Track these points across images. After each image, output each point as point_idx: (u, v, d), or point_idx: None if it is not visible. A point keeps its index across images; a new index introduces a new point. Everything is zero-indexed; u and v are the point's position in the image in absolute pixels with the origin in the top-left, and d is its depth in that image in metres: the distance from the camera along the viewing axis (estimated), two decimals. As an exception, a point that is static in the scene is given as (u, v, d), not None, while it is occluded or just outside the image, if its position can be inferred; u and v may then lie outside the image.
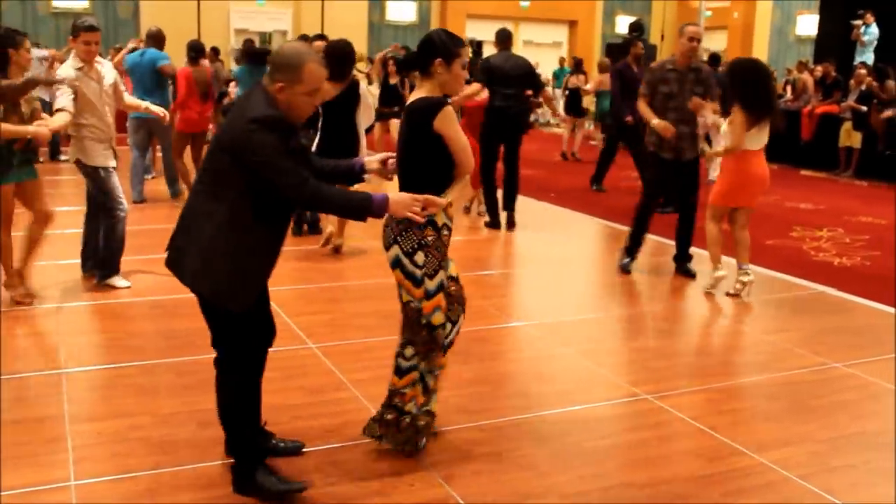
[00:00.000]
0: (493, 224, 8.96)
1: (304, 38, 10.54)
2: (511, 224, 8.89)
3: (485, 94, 8.72)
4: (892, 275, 7.50)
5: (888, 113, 13.22)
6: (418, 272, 3.59)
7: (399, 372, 3.79)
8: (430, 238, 3.57)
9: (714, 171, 11.41)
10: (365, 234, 7.73)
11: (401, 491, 3.53)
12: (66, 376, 4.61)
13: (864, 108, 13.73)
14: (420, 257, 3.57)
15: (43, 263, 7.13)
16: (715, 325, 6.28)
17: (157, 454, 3.77)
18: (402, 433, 3.76)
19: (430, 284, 3.62)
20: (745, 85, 6.26)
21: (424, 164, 3.61)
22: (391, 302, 6.18)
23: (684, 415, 4.36)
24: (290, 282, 6.47)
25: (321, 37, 10.60)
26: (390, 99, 12.84)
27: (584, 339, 5.51)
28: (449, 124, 3.54)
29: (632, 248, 7.22)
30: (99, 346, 5.22)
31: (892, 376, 5.00)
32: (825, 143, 14.34)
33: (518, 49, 27.68)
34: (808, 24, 25.12)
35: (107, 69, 6.21)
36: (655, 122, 6.82)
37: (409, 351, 3.76)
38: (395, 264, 3.63)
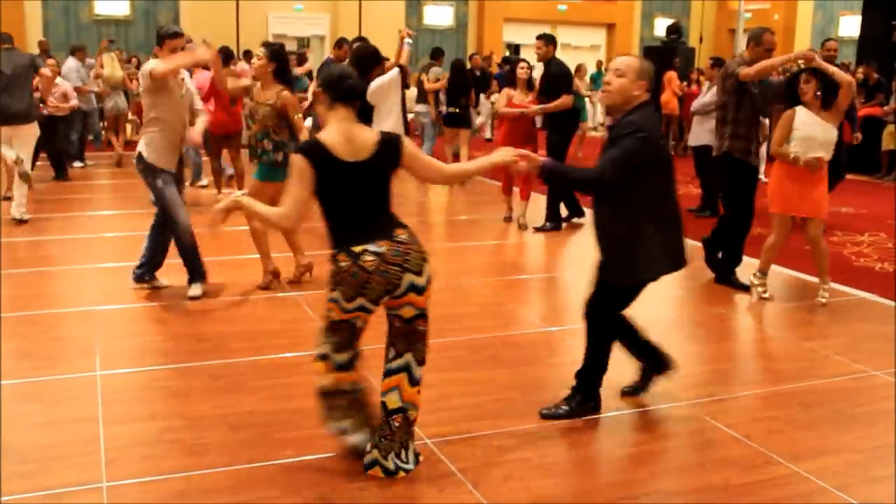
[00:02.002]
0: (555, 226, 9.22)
1: (342, 41, 10.61)
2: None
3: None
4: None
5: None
6: None
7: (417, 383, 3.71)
8: None
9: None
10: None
11: (430, 496, 3.52)
12: (101, 378, 4.66)
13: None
14: None
15: (80, 267, 7.24)
16: (752, 331, 6.19)
17: (189, 457, 3.79)
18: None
19: None
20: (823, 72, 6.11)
21: None
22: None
23: (719, 422, 4.29)
24: (322, 285, 6.45)
25: (361, 39, 10.67)
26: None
27: (619, 346, 5.44)
28: None
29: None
30: (133, 349, 5.26)
31: (934, 385, 4.89)
32: (867, 147, 14.09)
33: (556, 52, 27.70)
34: (850, 26, 24.74)
35: (185, 77, 6.36)
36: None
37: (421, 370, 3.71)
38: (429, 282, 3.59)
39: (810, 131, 6.10)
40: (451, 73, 13.23)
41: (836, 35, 26.51)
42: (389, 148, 3.57)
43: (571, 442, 4.03)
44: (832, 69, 6.21)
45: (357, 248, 3.44)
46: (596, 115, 20.84)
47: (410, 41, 8.41)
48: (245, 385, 4.61)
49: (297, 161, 3.48)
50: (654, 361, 4.51)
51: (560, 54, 9.39)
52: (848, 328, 5.98)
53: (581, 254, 8.20)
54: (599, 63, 23.41)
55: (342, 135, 3.51)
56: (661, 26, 24.58)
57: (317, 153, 3.47)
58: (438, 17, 25.40)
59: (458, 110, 12.67)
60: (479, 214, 9.86)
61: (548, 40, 9.09)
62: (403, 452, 3.66)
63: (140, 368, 4.87)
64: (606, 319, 4.32)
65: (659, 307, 6.53)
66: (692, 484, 3.70)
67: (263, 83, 6.22)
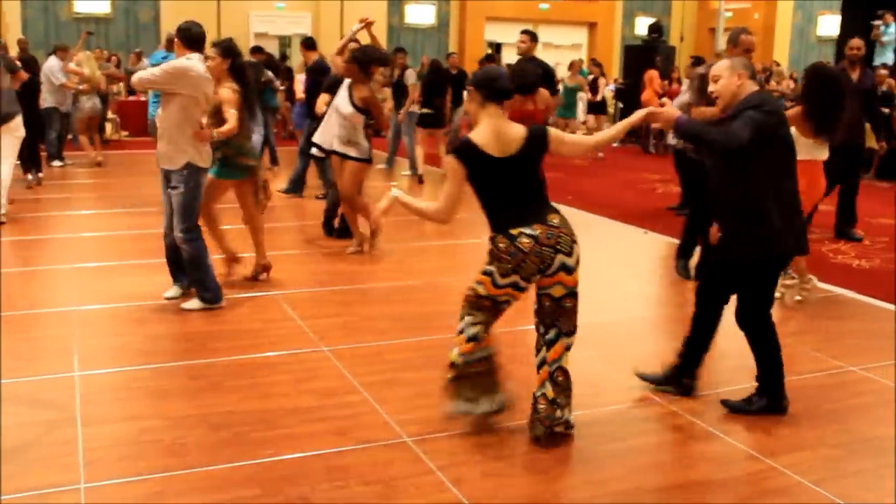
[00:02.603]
0: None
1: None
2: None
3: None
4: (912, 277, 7.42)
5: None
6: None
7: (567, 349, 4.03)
8: None
9: None
10: (382, 238, 7.73)
11: (409, 494, 3.52)
12: (79, 378, 4.64)
13: (886, 110, 13.59)
14: None
15: (59, 267, 7.21)
16: (732, 327, 6.20)
17: (168, 457, 3.78)
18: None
19: None
20: (817, 95, 5.82)
21: None
22: (404, 305, 6.24)
23: (697, 419, 4.32)
24: (302, 284, 6.47)
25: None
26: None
27: (601, 343, 5.47)
28: None
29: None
30: (112, 349, 5.23)
31: (910, 380, 4.95)
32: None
33: (538, 51, 27.70)
34: (829, 25, 24.92)
35: None
36: None
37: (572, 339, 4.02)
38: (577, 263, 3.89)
39: None
40: (426, 74, 13.06)
41: (815, 34, 26.73)
42: (536, 140, 3.86)
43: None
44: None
45: (514, 231, 3.78)
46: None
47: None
48: (225, 385, 4.60)
49: (451, 161, 3.84)
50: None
51: (542, 53, 9.44)
52: (826, 324, 6.03)
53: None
54: (580, 62, 23.41)
55: (492, 132, 3.82)
56: (642, 25, 24.66)
57: (469, 153, 3.81)
58: (420, 15, 25.40)
59: (432, 111, 12.41)
60: (465, 213, 9.80)
61: (532, 37, 9.11)
62: (567, 411, 3.96)
63: (119, 369, 4.85)
64: (757, 320, 4.38)
65: (638, 304, 6.58)
66: (671, 480, 3.73)
67: (220, 81, 6.11)
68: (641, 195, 11.59)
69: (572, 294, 3.93)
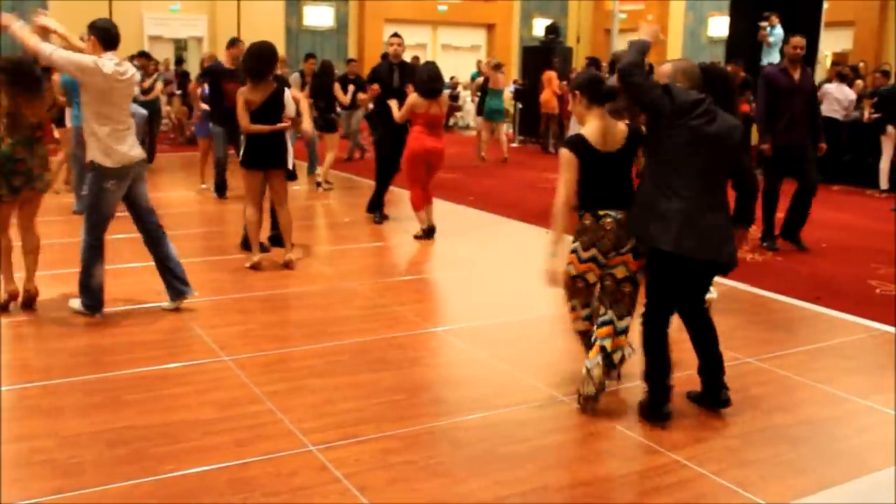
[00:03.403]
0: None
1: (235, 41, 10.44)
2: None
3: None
4: (803, 269, 7.69)
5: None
6: None
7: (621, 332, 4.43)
8: None
9: None
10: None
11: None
12: (-36, 399, 4.42)
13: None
14: None
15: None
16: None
17: (61, 477, 3.62)
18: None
19: None
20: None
21: None
22: (306, 311, 6.17)
23: (602, 416, 4.38)
24: (203, 293, 6.32)
25: (236, 41, 10.46)
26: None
27: (503, 343, 5.51)
28: None
29: None
30: None
31: (802, 370, 5.11)
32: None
33: (436, 53, 27.91)
34: (720, 26, 25.65)
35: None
36: None
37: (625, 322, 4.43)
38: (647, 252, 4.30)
39: None
40: (314, 75, 12.60)
41: (706, 35, 27.50)
42: (636, 137, 4.40)
43: (457, 441, 4.04)
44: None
45: (601, 212, 4.34)
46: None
47: None
48: (122, 399, 4.45)
49: (565, 153, 4.37)
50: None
51: (441, 55, 9.52)
52: (721, 318, 6.15)
53: (459, 254, 8.25)
54: (479, 63, 23.60)
55: (599, 130, 4.37)
56: (539, 26, 24.92)
57: (580, 146, 4.35)
58: (318, 17, 25.18)
59: (317, 114, 11.91)
60: (361, 214, 9.76)
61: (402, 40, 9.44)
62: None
63: (7, 387, 4.62)
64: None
65: (540, 303, 6.62)
66: (577, 477, 3.76)
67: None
68: (542, 195, 11.70)
69: (632, 280, 4.39)
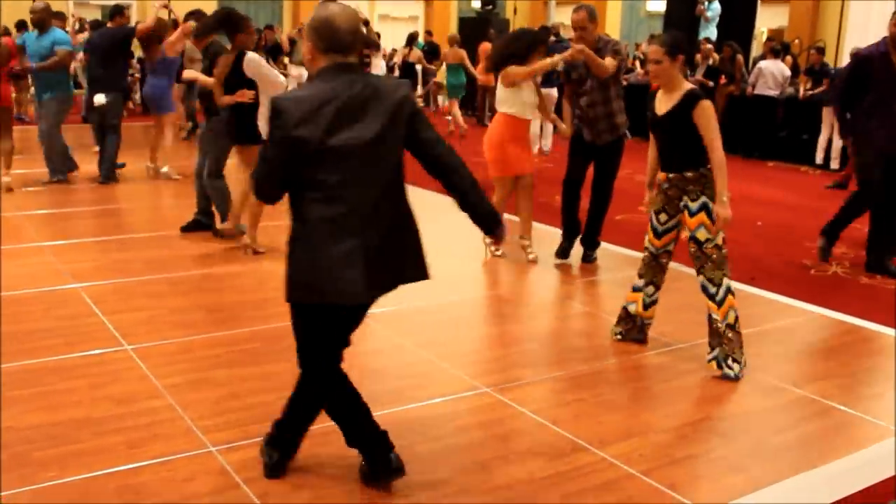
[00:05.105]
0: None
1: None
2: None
3: None
4: (736, 250, 7.54)
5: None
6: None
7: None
8: None
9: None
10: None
11: (210, 515, 3.16)
12: None
13: (711, 84, 13.99)
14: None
15: None
16: (562, 307, 6.09)
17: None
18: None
19: None
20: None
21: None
22: (219, 294, 5.79)
23: (526, 408, 4.13)
24: (107, 275, 5.92)
25: None
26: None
27: (423, 329, 5.22)
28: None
29: None
30: None
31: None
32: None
33: (374, 24, 27.32)
34: (657, 1, 25.54)
35: None
36: None
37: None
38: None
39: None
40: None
41: (645, 10, 27.40)
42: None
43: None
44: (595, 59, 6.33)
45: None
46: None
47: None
48: (6, 396, 4.05)
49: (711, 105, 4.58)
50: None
51: (379, 25, 9.13)
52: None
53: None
54: (416, 34, 23.13)
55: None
56: (477, -3, 24.50)
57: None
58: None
59: None
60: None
61: None
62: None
63: None
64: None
65: (466, 288, 6.36)
66: (496, 480, 3.48)
67: None
68: (474, 169, 11.40)
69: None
